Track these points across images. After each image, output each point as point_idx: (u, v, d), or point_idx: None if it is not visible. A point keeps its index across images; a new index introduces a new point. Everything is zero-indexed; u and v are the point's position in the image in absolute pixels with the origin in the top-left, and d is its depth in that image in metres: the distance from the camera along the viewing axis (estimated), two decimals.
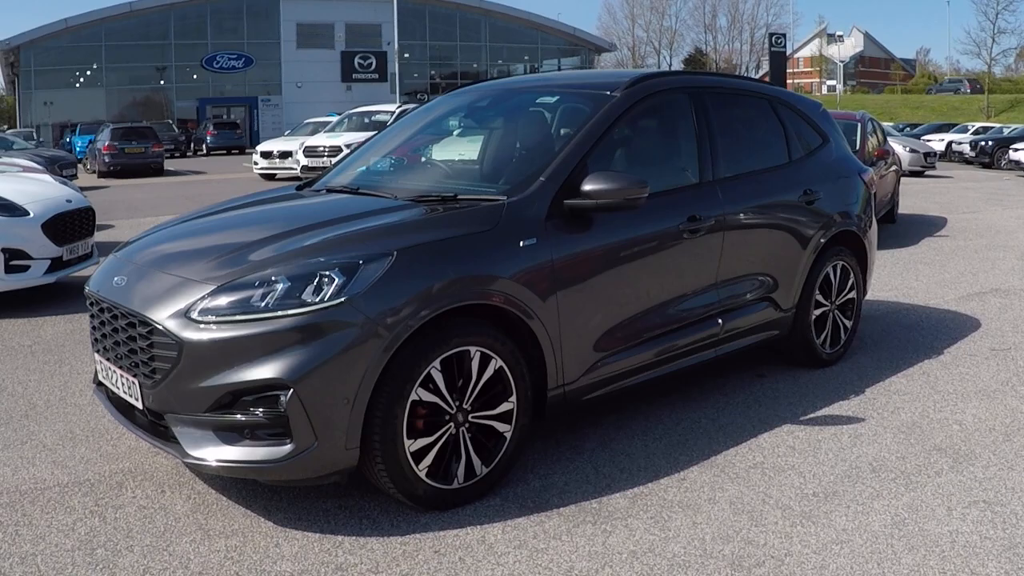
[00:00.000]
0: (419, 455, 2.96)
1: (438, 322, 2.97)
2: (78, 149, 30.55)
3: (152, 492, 3.26)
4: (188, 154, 36.47)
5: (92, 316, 3.29)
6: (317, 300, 2.78)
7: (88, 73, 44.38)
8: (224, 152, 35.69)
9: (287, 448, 2.77)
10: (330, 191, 3.93)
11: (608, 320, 3.52)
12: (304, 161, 18.80)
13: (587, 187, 3.34)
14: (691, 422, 3.96)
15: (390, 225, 3.17)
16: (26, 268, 6.11)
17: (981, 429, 3.82)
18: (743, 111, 4.53)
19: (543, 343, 3.25)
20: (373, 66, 48.24)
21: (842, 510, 3.07)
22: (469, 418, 3.09)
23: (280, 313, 2.76)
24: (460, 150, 4.23)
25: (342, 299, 2.79)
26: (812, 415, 4.04)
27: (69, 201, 6.86)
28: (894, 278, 7.43)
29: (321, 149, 18.73)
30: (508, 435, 3.20)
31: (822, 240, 4.53)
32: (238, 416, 2.78)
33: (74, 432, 3.89)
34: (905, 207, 12.73)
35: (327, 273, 2.83)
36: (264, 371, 2.73)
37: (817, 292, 4.60)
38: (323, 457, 2.81)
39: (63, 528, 2.98)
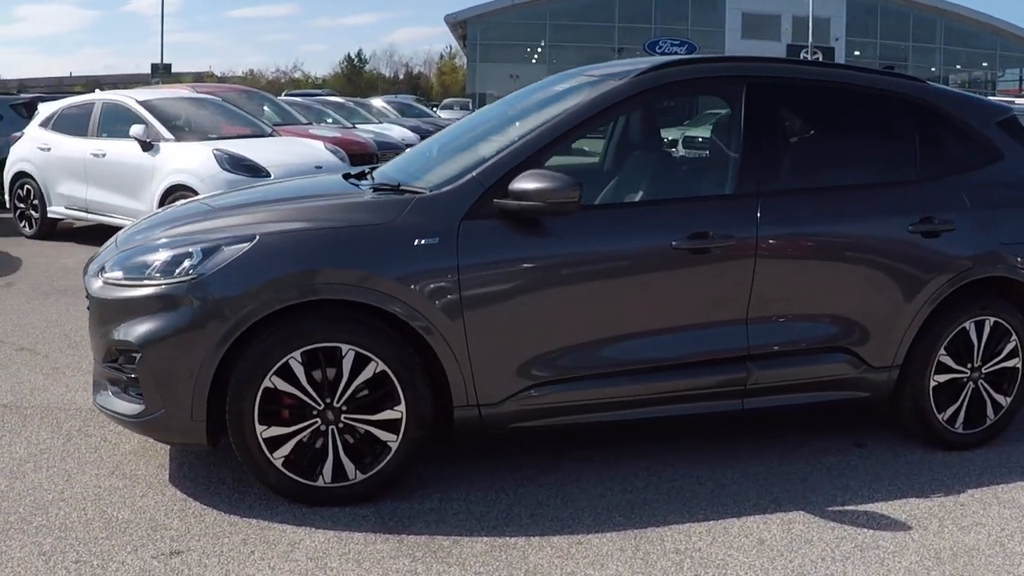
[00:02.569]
0: (275, 443, 3.04)
1: (301, 312, 2.98)
2: None
3: (125, 429, 3.77)
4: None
5: None
6: (175, 275, 2.99)
7: (539, 50, 49.17)
8: None
9: (139, 408, 3.04)
10: (347, 176, 3.96)
11: (550, 343, 3.18)
12: (682, 151, 18.62)
13: (512, 186, 3.05)
14: (690, 481, 3.40)
15: (289, 210, 3.27)
16: None
17: None
18: (846, 112, 3.69)
19: (441, 354, 3.06)
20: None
21: None
22: (342, 418, 3.06)
23: (147, 282, 3.03)
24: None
25: (192, 277, 2.97)
26: (850, 508, 3.19)
27: (319, 167, 7.90)
28: None
29: (700, 140, 18.38)
30: (394, 446, 3.10)
31: (951, 285, 3.50)
32: (118, 371, 3.12)
33: None
34: None
35: (192, 251, 3.02)
36: (127, 333, 3.03)
37: (943, 352, 3.56)
38: (171, 423, 3.04)
39: (33, 442, 3.64)
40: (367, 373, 3.03)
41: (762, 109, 3.45)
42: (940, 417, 3.62)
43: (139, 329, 3.00)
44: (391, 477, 3.14)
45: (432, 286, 3.02)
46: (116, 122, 8.53)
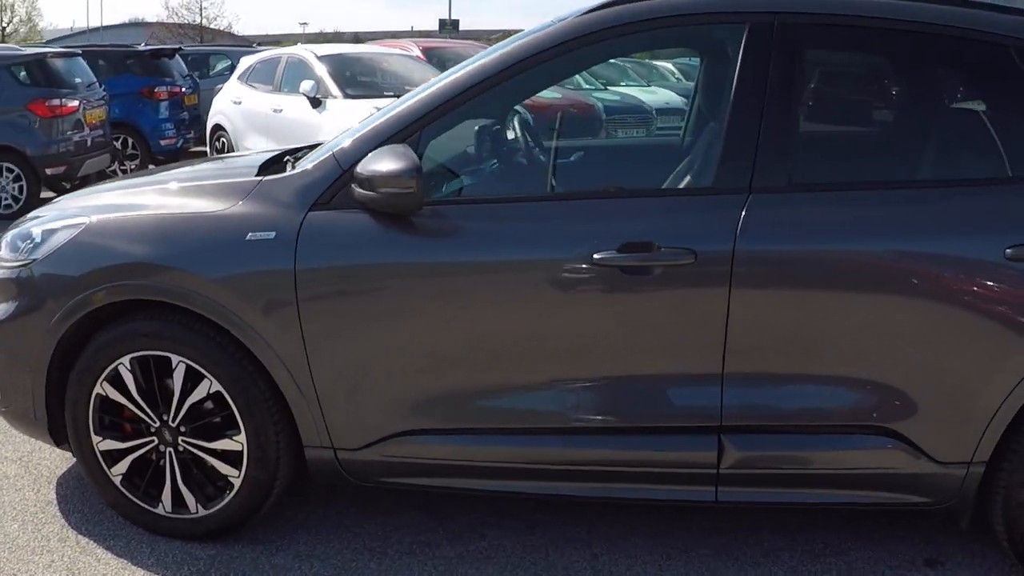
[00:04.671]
0: (112, 457, 2.81)
1: (133, 313, 2.69)
2: None
3: None
4: None
5: None
6: (18, 258, 2.82)
7: None
8: None
9: None
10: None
11: (424, 381, 2.58)
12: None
13: (356, 168, 2.47)
14: None
15: (152, 189, 2.96)
16: None
17: None
18: (913, 69, 2.63)
19: (279, 379, 2.60)
20: None
21: None
22: (180, 441, 2.74)
23: (3, 263, 2.89)
24: None
25: (27, 261, 2.78)
26: None
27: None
28: None
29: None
30: (236, 482, 2.73)
31: None
32: None
33: None
34: None
35: (35, 232, 2.83)
36: None
37: None
38: (18, 419, 2.92)
39: None
40: (200, 392, 2.67)
41: (770, 63, 2.46)
42: None
43: None
44: (236, 518, 2.77)
45: (263, 293, 2.55)
46: (297, 77, 8.84)
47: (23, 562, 2.69)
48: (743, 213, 2.39)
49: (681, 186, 2.69)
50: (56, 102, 7.71)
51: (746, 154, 2.43)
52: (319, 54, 8.89)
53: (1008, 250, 2.32)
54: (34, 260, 2.77)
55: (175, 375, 2.67)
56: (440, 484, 2.69)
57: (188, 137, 10.85)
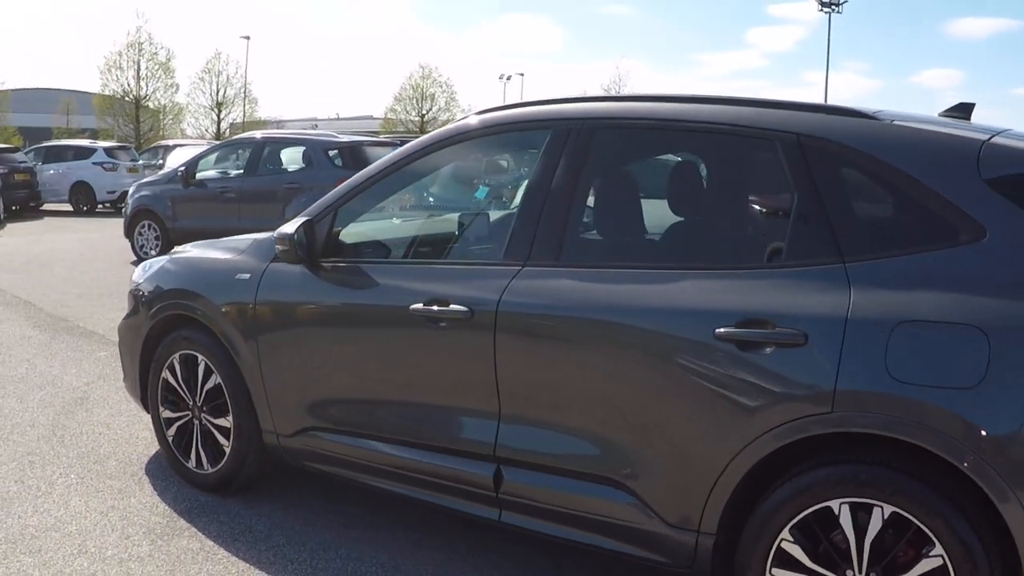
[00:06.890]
0: (168, 423, 4.31)
1: (182, 323, 4.18)
2: None
3: None
4: None
5: None
6: (139, 278, 4.49)
7: None
8: None
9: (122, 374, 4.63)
10: None
11: (322, 389, 3.72)
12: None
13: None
14: None
15: (229, 240, 4.42)
16: None
17: None
18: (687, 165, 3.39)
19: (246, 376, 3.91)
20: None
21: None
22: (203, 416, 4.16)
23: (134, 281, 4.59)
24: None
25: (137, 282, 4.43)
26: None
27: None
28: None
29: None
30: (227, 451, 4.07)
31: (791, 432, 2.62)
32: None
33: None
34: None
35: (149, 263, 4.50)
36: None
37: (788, 537, 2.64)
38: (131, 391, 4.56)
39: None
40: (212, 382, 4.06)
41: (559, 162, 3.21)
42: None
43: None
44: (227, 478, 4.08)
45: (239, 317, 3.88)
46: None
47: (100, 481, 4.25)
48: (511, 281, 3.17)
49: (485, 258, 3.58)
50: None
51: (527, 234, 3.23)
52: None
53: (718, 330, 2.74)
54: (139, 281, 4.41)
55: (200, 369, 4.09)
56: (342, 475, 3.74)
57: None
